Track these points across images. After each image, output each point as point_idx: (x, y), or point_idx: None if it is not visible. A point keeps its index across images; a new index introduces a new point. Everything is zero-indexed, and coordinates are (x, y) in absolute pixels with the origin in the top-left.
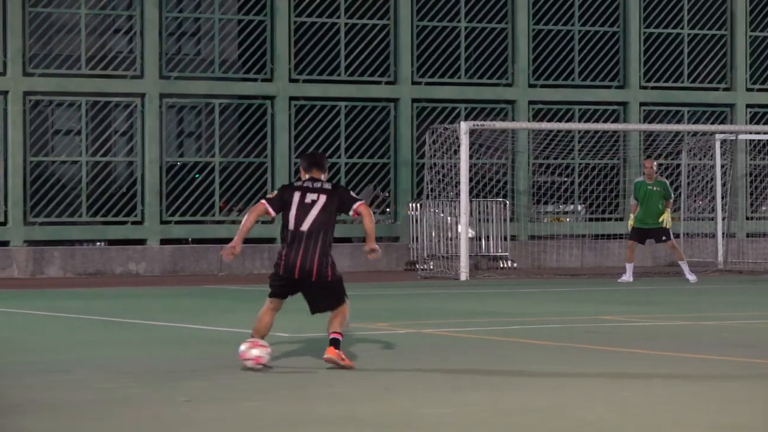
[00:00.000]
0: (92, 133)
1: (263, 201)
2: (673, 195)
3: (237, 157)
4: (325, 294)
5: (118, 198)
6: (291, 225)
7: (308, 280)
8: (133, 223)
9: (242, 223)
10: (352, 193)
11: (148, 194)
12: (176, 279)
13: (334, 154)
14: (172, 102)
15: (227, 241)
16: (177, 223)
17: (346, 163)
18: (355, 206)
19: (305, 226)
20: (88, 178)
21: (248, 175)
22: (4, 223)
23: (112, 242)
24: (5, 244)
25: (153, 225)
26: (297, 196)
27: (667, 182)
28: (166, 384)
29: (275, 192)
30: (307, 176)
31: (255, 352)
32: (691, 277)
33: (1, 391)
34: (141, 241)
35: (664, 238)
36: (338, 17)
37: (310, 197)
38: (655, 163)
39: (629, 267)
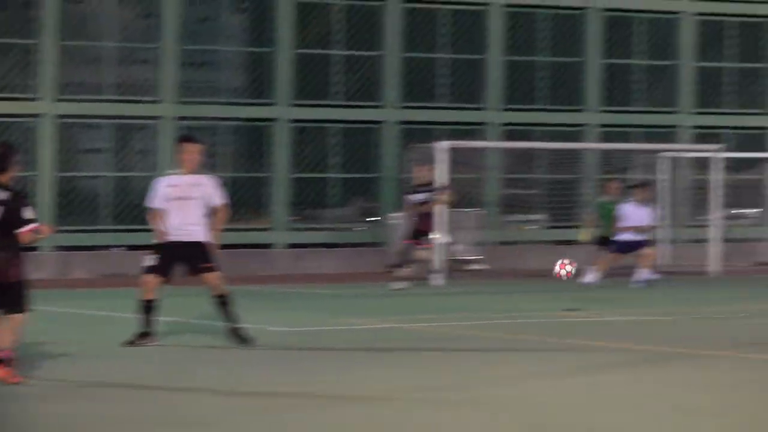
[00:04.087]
0: (115, 152)
1: None
2: None
3: (241, 173)
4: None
5: (137, 208)
6: None
7: None
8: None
9: None
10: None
11: None
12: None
13: (326, 170)
14: (186, 124)
15: (229, 246)
16: None
17: (337, 178)
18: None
19: None
20: (111, 191)
21: (251, 190)
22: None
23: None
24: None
25: None
26: None
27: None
28: None
29: None
30: None
31: None
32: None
33: None
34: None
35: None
36: (332, 50)
37: None
38: (619, 185)
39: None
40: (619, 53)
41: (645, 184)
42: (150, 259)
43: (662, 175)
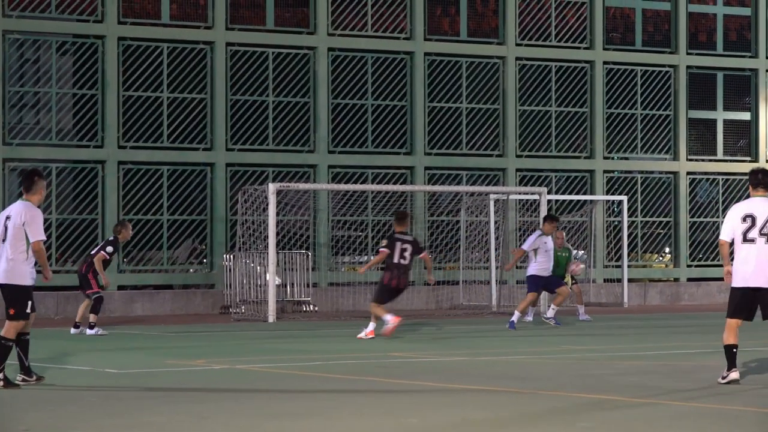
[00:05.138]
0: None
1: None
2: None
3: (71, 215)
4: None
5: None
6: None
7: None
8: None
9: None
10: None
11: None
12: None
13: (157, 211)
14: (13, 166)
15: (64, 288)
16: None
17: (168, 220)
18: None
19: None
20: None
21: (81, 231)
22: None
23: None
24: None
25: None
26: None
27: (572, 248)
28: None
29: None
30: None
31: None
32: (585, 317)
33: None
34: None
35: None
36: (161, 92)
37: None
38: (564, 234)
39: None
40: (445, 97)
41: None
42: None
43: (491, 217)
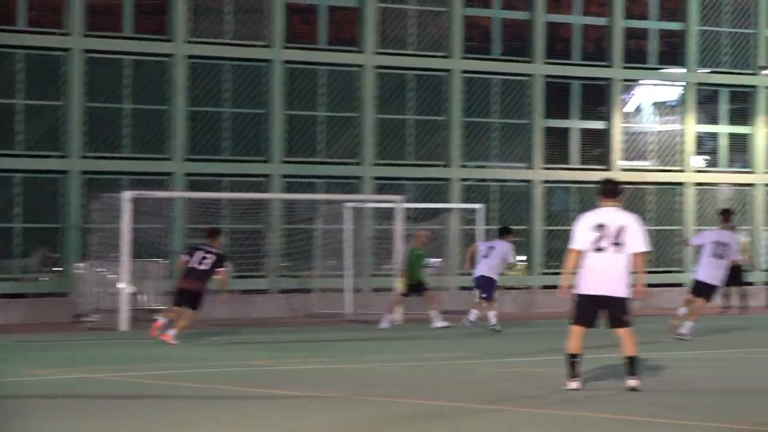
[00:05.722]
0: None
1: None
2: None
3: None
4: None
5: None
6: None
7: None
8: None
9: None
10: None
11: None
12: None
13: (10, 219)
14: None
15: None
16: None
17: (21, 228)
18: None
19: None
20: None
21: None
22: None
23: None
24: None
25: None
26: None
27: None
28: None
29: None
30: None
31: None
32: (440, 324)
33: None
34: None
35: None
36: (15, 99)
37: None
38: (426, 233)
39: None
40: (302, 105)
41: None
42: None
43: (346, 226)
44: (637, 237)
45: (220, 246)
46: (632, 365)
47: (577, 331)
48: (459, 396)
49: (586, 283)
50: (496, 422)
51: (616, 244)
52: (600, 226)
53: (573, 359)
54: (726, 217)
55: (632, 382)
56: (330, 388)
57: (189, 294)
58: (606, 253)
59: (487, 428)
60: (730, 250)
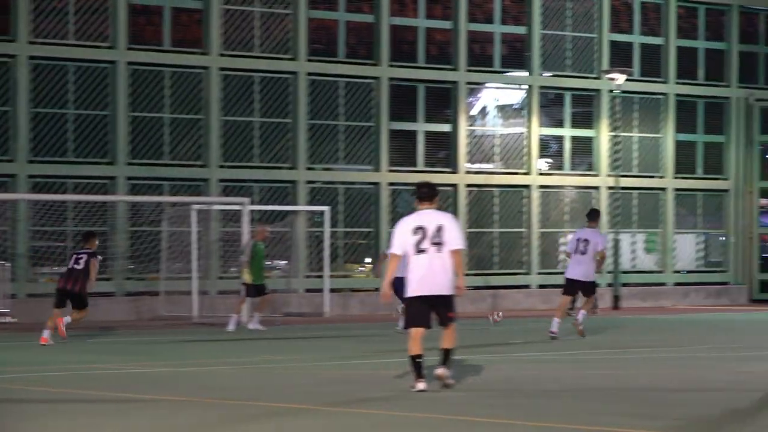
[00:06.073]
0: None
1: None
2: None
3: None
4: None
5: None
6: None
7: None
8: None
9: None
10: None
11: None
12: None
13: None
14: None
15: None
16: None
17: None
18: None
19: None
20: None
21: None
22: None
23: None
24: None
25: None
26: None
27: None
28: None
29: None
30: None
31: None
32: (258, 327)
33: None
34: None
35: (266, 291)
36: None
37: None
38: (266, 229)
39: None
40: (147, 107)
41: None
42: None
43: (193, 228)
44: (454, 235)
45: (94, 246)
46: (447, 357)
47: (415, 332)
48: (307, 398)
49: (412, 284)
50: (348, 425)
51: (436, 243)
52: (419, 228)
53: (415, 361)
54: (592, 217)
55: (441, 371)
56: (167, 391)
57: (69, 294)
58: (428, 253)
59: (341, 430)
60: (591, 246)
